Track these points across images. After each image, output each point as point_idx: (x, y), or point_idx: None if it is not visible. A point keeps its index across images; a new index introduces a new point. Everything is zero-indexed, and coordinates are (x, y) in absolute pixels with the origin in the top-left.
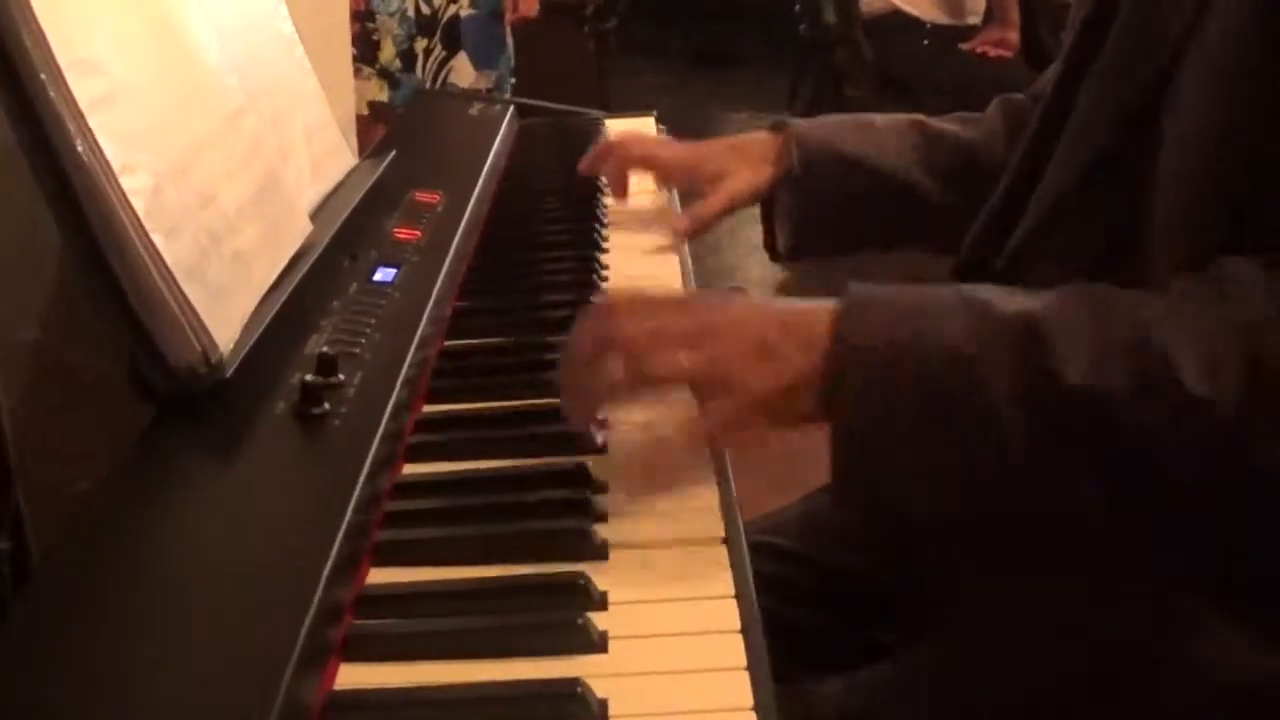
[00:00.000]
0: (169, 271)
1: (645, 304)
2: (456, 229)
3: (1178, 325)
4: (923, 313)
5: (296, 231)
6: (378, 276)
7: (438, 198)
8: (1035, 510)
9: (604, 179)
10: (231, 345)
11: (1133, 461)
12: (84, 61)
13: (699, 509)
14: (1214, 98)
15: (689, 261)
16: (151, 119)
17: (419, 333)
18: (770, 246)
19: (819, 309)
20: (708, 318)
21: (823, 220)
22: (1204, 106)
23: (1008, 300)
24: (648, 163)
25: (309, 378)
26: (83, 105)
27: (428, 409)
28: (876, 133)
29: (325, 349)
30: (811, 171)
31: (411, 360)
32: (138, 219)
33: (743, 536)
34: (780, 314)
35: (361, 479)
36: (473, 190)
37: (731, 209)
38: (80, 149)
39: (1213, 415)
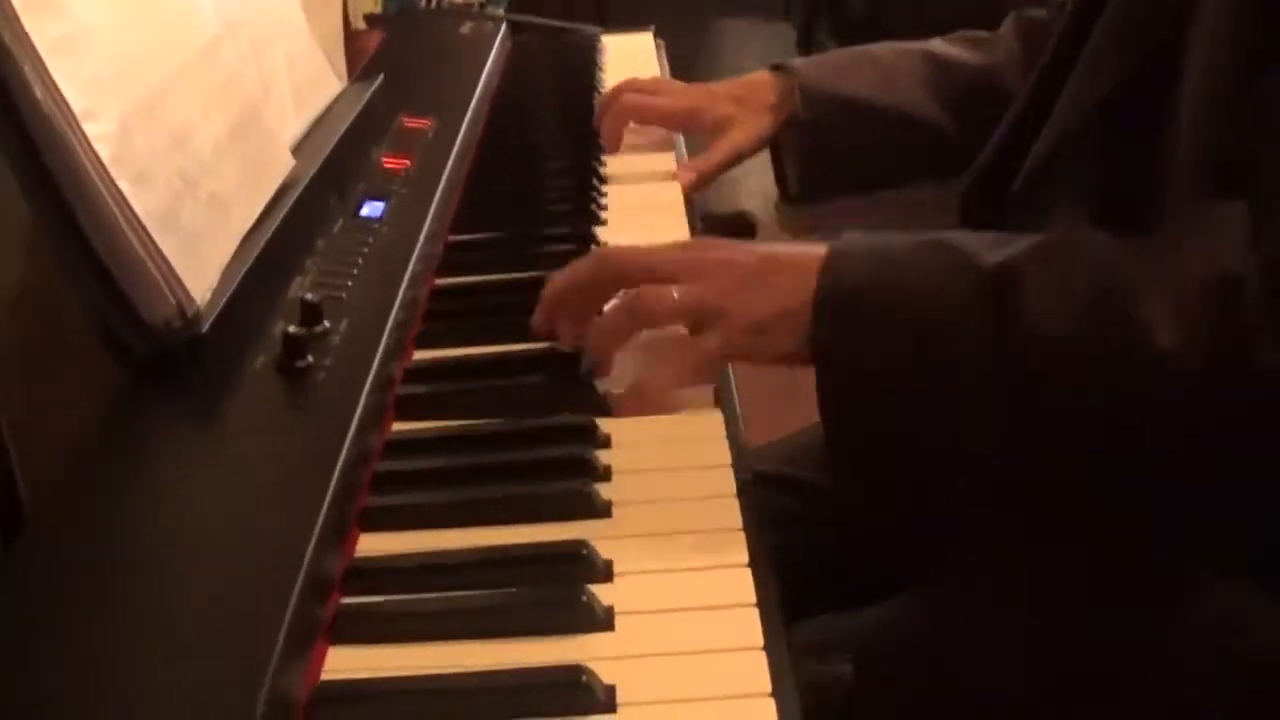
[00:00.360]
0: (139, 221)
1: (640, 249)
2: (448, 156)
3: (1150, 274)
4: (906, 259)
5: (278, 167)
6: (365, 211)
7: (428, 123)
8: (1019, 456)
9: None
10: (209, 296)
11: (1105, 416)
12: (43, 1)
13: (707, 465)
14: (1232, 27)
15: None
16: (118, 57)
17: (409, 272)
18: (782, 187)
19: (810, 251)
20: (701, 255)
21: (833, 164)
22: (1222, 35)
23: (986, 250)
24: (645, 116)
25: (291, 329)
26: (42, 49)
27: (418, 356)
28: (884, 68)
29: (308, 295)
30: (817, 117)
31: (401, 302)
32: (103, 166)
33: (754, 494)
34: (772, 253)
35: (349, 439)
36: (465, 114)
37: (736, 160)
38: (40, 96)
39: (1181, 369)
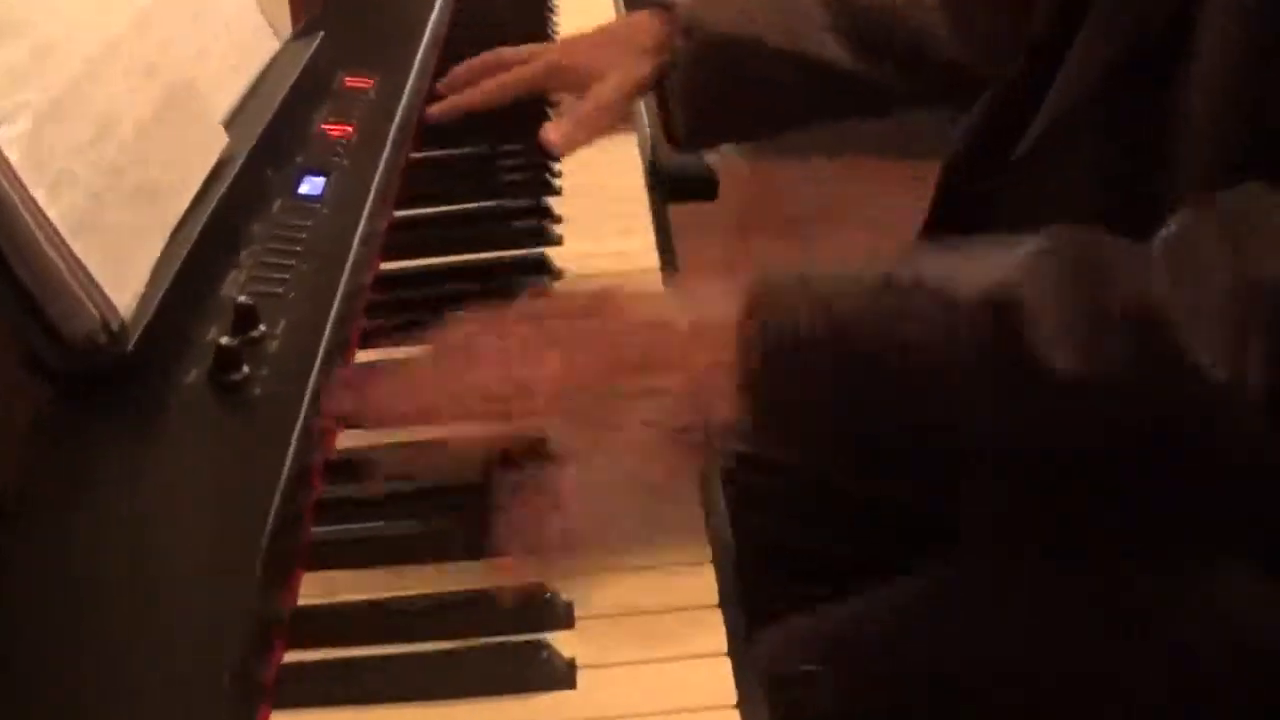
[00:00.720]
0: (55, 230)
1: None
2: (392, 120)
3: (1184, 290)
4: (855, 299)
5: (212, 146)
6: (304, 188)
7: (371, 82)
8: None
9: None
10: (135, 304)
11: (1143, 457)
12: None
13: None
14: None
15: (648, 143)
16: (35, 45)
17: (351, 257)
18: (668, 133)
19: (721, 307)
20: (571, 338)
21: (724, 109)
22: (1231, 30)
23: (968, 275)
24: (504, 90)
25: (224, 340)
26: None
27: (362, 356)
28: (778, 3)
29: (242, 298)
30: (701, 60)
31: (343, 296)
32: (14, 173)
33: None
34: (663, 322)
35: (287, 464)
36: (409, 70)
37: (610, 109)
38: None
39: (1239, 400)
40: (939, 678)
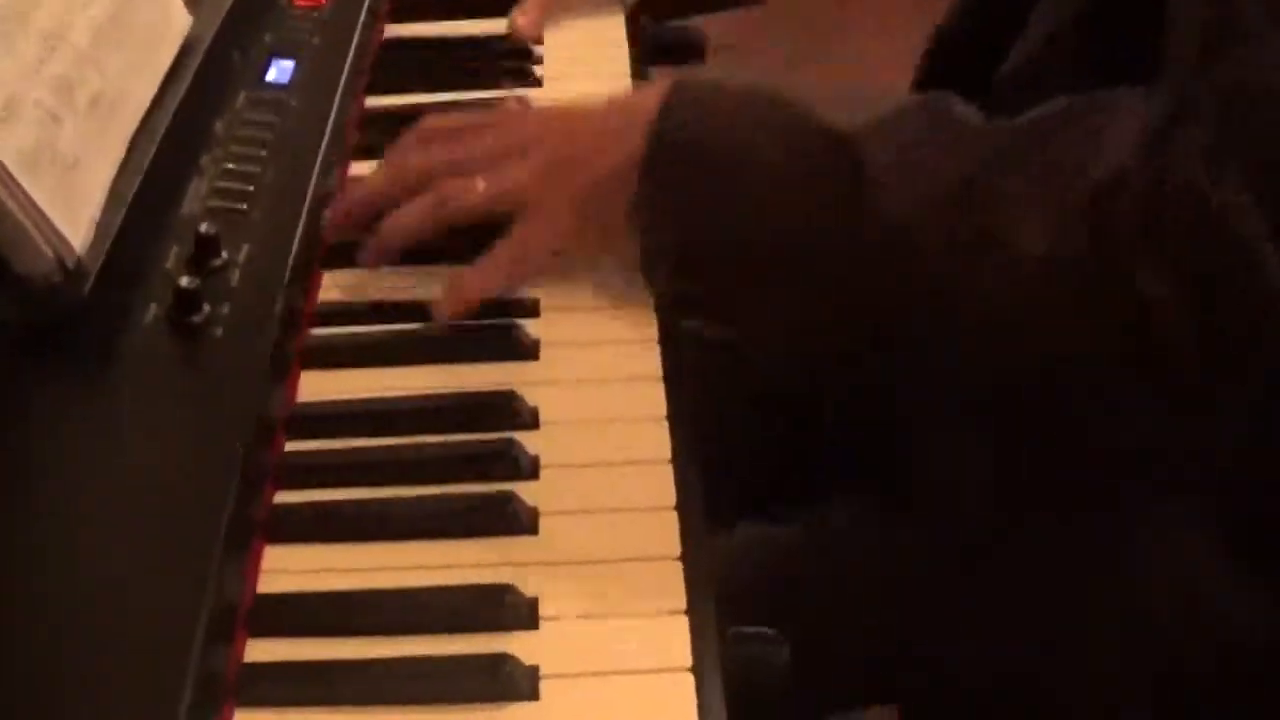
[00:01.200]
0: (4, 168)
1: (450, 130)
2: None
3: (1025, 170)
4: (744, 116)
5: (173, 33)
6: (271, 75)
7: None
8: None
9: None
10: (93, 231)
11: (959, 311)
12: None
13: (643, 460)
14: None
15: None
16: None
17: (319, 161)
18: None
19: (639, 105)
20: (515, 131)
21: None
22: None
23: (835, 113)
24: None
25: (184, 281)
26: None
27: (326, 289)
28: None
29: (204, 227)
30: None
31: (309, 210)
32: None
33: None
34: (594, 117)
35: (249, 421)
36: None
37: None
38: None
39: (1051, 279)
40: (938, 678)
